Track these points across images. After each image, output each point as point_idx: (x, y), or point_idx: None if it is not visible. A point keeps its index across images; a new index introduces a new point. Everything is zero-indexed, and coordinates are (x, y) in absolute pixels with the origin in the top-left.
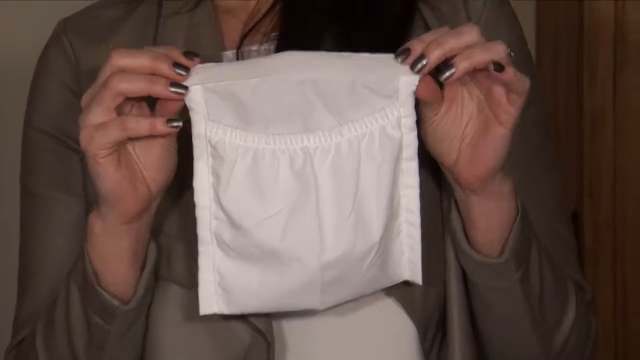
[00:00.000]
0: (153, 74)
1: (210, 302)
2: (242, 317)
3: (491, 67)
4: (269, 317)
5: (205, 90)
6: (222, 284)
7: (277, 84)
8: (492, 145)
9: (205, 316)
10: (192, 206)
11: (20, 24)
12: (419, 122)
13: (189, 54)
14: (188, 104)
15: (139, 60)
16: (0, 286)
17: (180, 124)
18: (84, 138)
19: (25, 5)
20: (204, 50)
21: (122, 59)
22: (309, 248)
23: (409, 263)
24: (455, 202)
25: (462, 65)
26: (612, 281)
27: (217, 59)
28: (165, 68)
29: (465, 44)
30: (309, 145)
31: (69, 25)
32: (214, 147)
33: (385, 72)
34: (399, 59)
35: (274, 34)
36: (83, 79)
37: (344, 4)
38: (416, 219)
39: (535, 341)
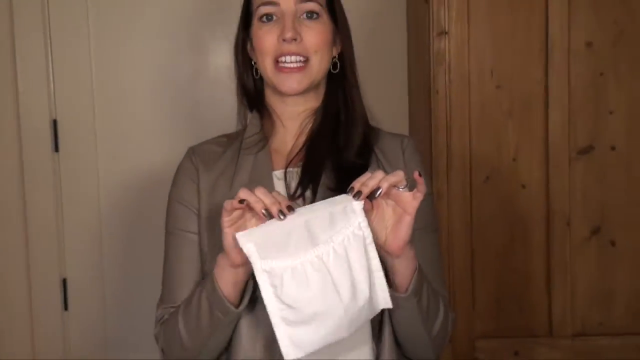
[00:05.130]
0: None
1: (289, 353)
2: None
3: (401, 187)
4: None
5: (255, 244)
6: (293, 342)
7: (289, 227)
8: (404, 227)
9: (261, 321)
10: None
11: (156, 151)
12: None
13: (290, 208)
14: (246, 252)
15: (267, 198)
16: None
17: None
18: (222, 219)
19: (159, 138)
20: (262, 171)
21: (243, 193)
22: (338, 308)
23: (383, 300)
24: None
25: (383, 186)
26: None
27: (269, 176)
28: (274, 209)
29: (397, 179)
30: (318, 253)
31: (195, 151)
32: (268, 272)
33: (345, 202)
34: (355, 196)
35: (300, 162)
36: (200, 179)
37: (335, 149)
38: (382, 274)
39: (424, 331)
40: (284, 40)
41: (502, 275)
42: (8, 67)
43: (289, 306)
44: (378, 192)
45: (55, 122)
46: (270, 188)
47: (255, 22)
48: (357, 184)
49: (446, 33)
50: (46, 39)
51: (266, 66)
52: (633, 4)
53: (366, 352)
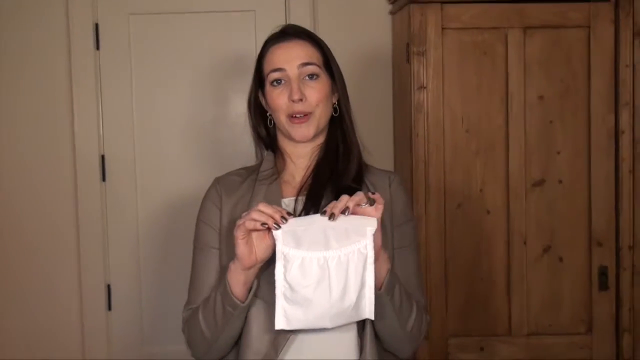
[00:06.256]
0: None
1: (280, 323)
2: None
3: (364, 205)
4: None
5: (282, 231)
6: (285, 315)
7: (311, 229)
8: (376, 234)
9: (270, 316)
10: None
11: (187, 180)
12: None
13: (289, 214)
14: (275, 237)
15: (268, 210)
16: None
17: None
18: (237, 233)
19: (191, 170)
20: (273, 198)
21: (261, 206)
22: (325, 301)
23: (369, 311)
24: None
25: (350, 205)
26: None
27: (278, 203)
28: (277, 217)
29: (359, 198)
30: (326, 255)
31: (220, 181)
32: (284, 255)
33: (361, 224)
34: (331, 217)
35: (305, 191)
36: (223, 204)
37: (335, 176)
38: (372, 290)
39: (399, 326)
40: (292, 101)
41: (470, 284)
42: (66, 114)
43: (290, 286)
44: (347, 212)
45: (103, 158)
46: None
47: (267, 85)
48: (328, 208)
49: (424, 87)
50: (97, 92)
51: (281, 120)
52: (575, 66)
53: (352, 346)
